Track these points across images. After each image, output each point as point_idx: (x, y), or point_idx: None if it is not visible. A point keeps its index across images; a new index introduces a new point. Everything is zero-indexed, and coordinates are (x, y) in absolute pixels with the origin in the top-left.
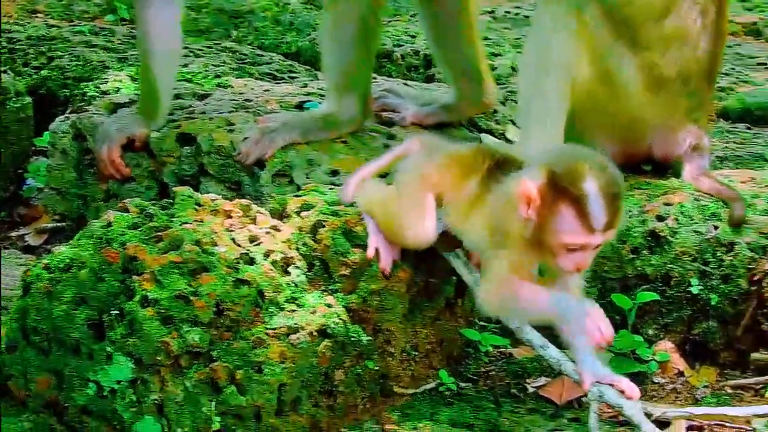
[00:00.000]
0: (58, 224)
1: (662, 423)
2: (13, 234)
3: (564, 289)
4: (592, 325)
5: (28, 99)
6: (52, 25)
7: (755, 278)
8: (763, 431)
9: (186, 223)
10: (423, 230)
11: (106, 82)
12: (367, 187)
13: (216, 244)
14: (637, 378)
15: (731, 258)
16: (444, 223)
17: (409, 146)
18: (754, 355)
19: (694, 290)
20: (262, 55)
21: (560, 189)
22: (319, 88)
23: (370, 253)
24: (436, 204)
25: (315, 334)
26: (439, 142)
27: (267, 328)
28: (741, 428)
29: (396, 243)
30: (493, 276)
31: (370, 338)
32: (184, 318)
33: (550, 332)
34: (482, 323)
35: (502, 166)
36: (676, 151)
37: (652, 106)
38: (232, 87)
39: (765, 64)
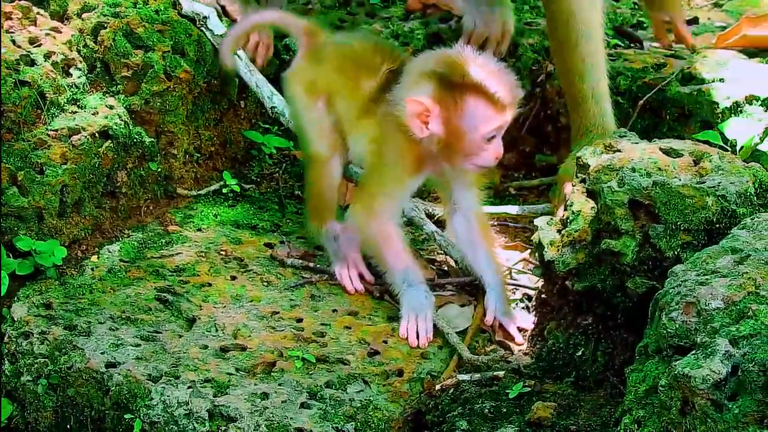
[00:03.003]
0: None
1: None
2: None
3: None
4: (413, 326)
5: None
6: None
7: (539, 79)
8: (546, 228)
9: None
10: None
11: None
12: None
13: None
14: None
15: (514, 59)
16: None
17: (287, 20)
18: (538, 157)
19: None
20: None
21: (456, 86)
22: None
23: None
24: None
25: (97, 135)
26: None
27: (48, 130)
28: (524, 227)
29: (320, 199)
30: (366, 193)
31: (153, 140)
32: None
33: None
34: (266, 126)
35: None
36: None
37: None
38: None
39: None
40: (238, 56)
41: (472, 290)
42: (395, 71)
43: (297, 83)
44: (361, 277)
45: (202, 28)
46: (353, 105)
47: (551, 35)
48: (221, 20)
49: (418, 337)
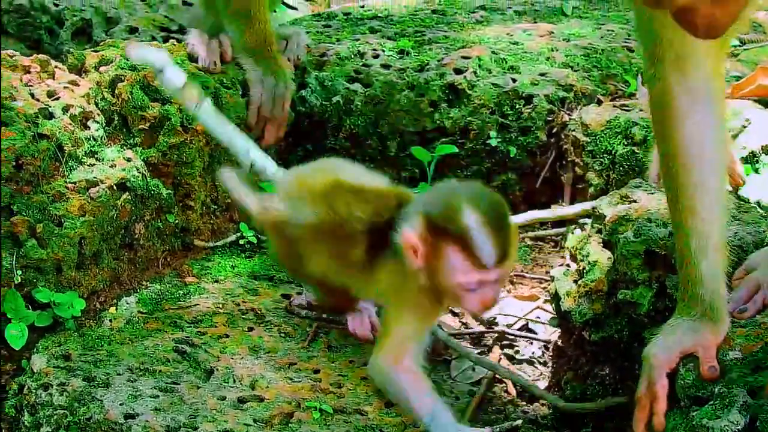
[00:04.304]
0: None
1: None
2: None
3: None
4: None
5: None
6: None
7: (553, 130)
8: (562, 279)
9: None
10: None
11: None
12: None
13: (14, 99)
14: None
15: (530, 110)
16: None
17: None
18: (553, 207)
19: (493, 142)
20: None
21: (440, 230)
22: None
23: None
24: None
25: (114, 187)
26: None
27: (67, 182)
28: (540, 278)
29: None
30: (387, 344)
31: (170, 192)
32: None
33: None
34: None
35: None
36: None
37: None
38: None
39: None
40: (199, 106)
41: (489, 340)
42: (374, 226)
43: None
44: (373, 327)
45: (157, 80)
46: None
47: None
48: (182, 67)
49: None
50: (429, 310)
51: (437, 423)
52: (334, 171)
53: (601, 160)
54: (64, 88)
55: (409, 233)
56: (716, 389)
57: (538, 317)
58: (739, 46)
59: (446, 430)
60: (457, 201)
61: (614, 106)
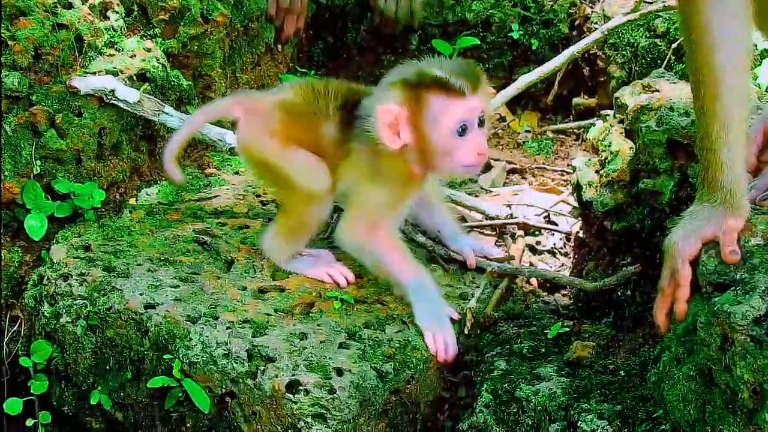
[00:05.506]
0: None
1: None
2: None
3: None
4: (440, 339)
5: None
6: None
7: (575, 23)
8: (584, 169)
9: None
10: (317, 180)
11: None
12: (268, 240)
13: None
14: None
15: (552, 2)
16: None
17: (223, 109)
18: (576, 100)
19: (515, 35)
20: None
21: (416, 86)
22: None
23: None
24: None
25: (134, 78)
26: (259, 95)
27: (86, 72)
28: (562, 170)
29: (303, 230)
30: (362, 210)
31: (190, 83)
32: (2, 62)
33: None
34: (303, 70)
35: (352, 103)
36: None
37: None
38: None
39: None
40: (167, 113)
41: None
42: (345, 106)
43: (258, 148)
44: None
45: (113, 101)
46: (324, 155)
47: None
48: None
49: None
50: (405, 183)
51: (421, 288)
52: None
53: (624, 52)
54: None
55: (387, 106)
56: (738, 275)
57: (560, 210)
58: None
59: (430, 295)
60: (426, 60)
61: None
